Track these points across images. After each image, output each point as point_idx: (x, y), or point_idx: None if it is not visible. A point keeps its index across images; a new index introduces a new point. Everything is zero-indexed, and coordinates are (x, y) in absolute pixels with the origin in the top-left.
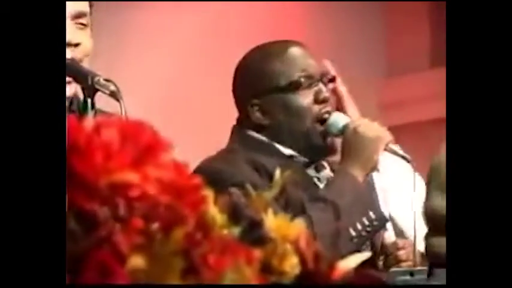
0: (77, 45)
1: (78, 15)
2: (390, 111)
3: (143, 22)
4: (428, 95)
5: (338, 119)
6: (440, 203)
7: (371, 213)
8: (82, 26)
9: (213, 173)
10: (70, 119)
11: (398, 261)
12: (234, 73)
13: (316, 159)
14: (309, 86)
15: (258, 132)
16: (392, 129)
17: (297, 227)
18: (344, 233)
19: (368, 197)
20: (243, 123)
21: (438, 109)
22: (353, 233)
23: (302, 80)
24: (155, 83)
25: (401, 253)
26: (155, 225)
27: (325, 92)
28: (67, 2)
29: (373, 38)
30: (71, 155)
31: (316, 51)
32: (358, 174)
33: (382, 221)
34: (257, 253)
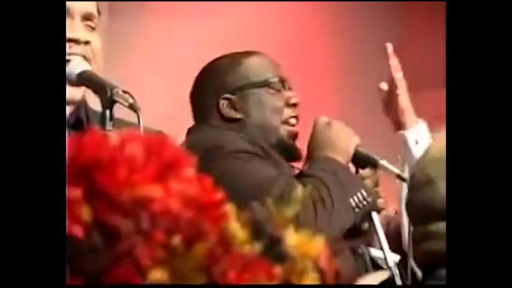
0: (86, 43)
1: (87, 17)
2: None
3: (152, 31)
4: (443, 112)
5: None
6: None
7: (362, 191)
8: (91, 29)
9: (215, 142)
10: (94, 133)
11: None
12: (198, 74)
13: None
14: (280, 90)
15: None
16: None
17: (318, 245)
18: (347, 200)
19: (356, 177)
20: (206, 121)
21: None
22: (353, 203)
23: (275, 80)
24: (163, 91)
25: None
26: (177, 240)
27: (295, 98)
28: (76, 3)
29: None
30: (94, 169)
31: (331, 71)
32: (339, 159)
33: (373, 200)
34: (277, 270)
